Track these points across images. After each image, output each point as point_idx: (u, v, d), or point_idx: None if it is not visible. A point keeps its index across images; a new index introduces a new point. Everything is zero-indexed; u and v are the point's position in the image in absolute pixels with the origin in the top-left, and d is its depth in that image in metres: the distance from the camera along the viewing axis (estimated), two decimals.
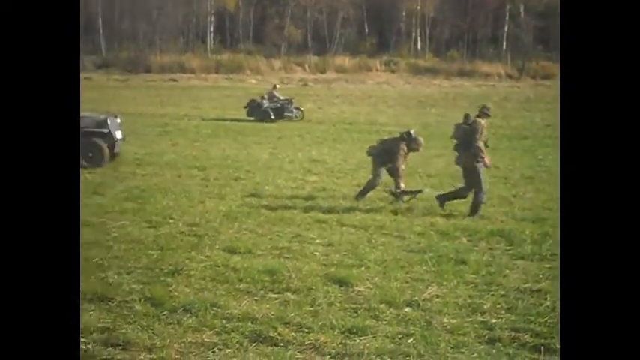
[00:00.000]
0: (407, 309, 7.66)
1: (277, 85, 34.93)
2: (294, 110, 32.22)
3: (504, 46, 72.16)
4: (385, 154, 14.08)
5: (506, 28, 72.41)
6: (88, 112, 19.54)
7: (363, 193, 14.06)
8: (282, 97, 32.71)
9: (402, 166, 14.03)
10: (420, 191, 14.24)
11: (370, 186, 14.11)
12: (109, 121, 17.92)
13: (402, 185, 13.98)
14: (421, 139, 14.54)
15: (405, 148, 14.10)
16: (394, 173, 14.05)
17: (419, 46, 75.67)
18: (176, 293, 7.97)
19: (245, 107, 31.98)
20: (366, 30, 77.65)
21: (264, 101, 31.85)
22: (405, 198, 13.93)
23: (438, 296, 8.10)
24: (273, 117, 31.23)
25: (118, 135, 18.22)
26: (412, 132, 14.47)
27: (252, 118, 31.38)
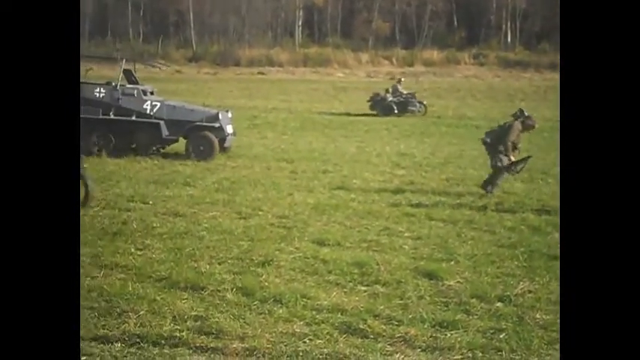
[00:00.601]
0: (498, 304, 7.58)
1: (402, 79, 34.52)
2: (417, 104, 31.92)
3: None
4: (498, 139, 13.88)
5: None
6: (200, 106, 19.99)
7: (491, 184, 13.90)
8: (405, 92, 32.37)
9: (513, 140, 13.76)
10: (529, 157, 14.32)
11: (497, 173, 13.92)
12: (220, 116, 18.29)
13: (512, 158, 13.78)
14: (534, 118, 14.37)
15: (520, 126, 13.90)
16: (504, 149, 13.77)
17: (509, 39, 74.49)
18: (266, 284, 8.05)
19: (368, 101, 31.87)
20: (455, 23, 76.84)
21: (388, 95, 31.69)
22: (518, 168, 13.83)
23: (530, 292, 7.98)
24: (396, 111, 31.03)
25: (229, 129, 18.55)
26: (524, 110, 14.45)
27: (374, 112, 31.25)
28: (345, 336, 6.67)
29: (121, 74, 18.99)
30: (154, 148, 18.45)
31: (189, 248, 9.47)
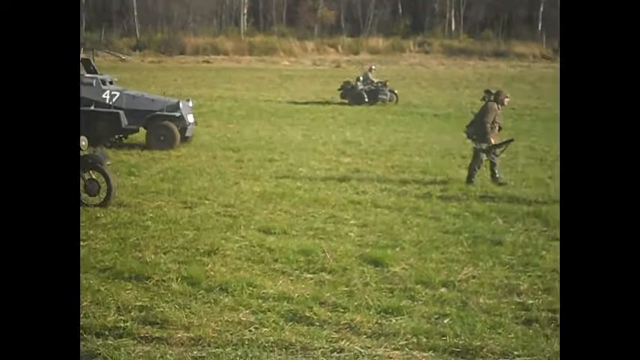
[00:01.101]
0: (443, 290, 7.65)
1: (373, 67, 34.15)
2: (388, 93, 31.66)
3: (540, 27, 71.36)
4: (478, 126, 13.89)
5: (542, 9, 71.57)
6: (160, 95, 19.74)
7: (473, 169, 13.96)
8: (376, 80, 32.12)
9: (492, 120, 13.75)
10: (510, 140, 14.45)
11: (476, 158, 13.98)
12: (181, 105, 18.11)
13: (492, 140, 13.84)
14: (504, 92, 14.33)
15: (495, 106, 13.87)
16: (481, 129, 13.83)
17: (453, 27, 75.11)
18: (212, 273, 8.01)
19: (339, 90, 31.69)
20: (400, 11, 77.21)
21: (359, 84, 31.48)
22: (498, 151, 13.93)
23: (474, 277, 8.08)
24: (367, 100, 30.87)
25: (190, 119, 18.38)
26: (489, 90, 14.57)
27: (346, 101, 31.16)
28: (290, 324, 6.68)
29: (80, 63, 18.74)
30: (114, 139, 18.21)
31: (134, 238, 9.39)
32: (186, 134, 18.25)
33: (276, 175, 14.47)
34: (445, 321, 6.78)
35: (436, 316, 6.90)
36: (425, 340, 6.38)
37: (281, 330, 6.52)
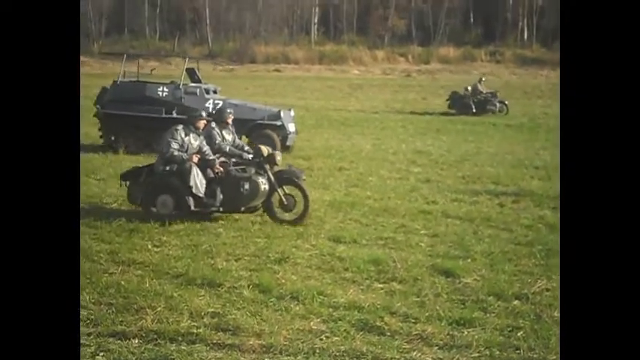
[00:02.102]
0: (516, 302, 7.54)
1: (483, 79, 33.94)
2: (497, 104, 31.35)
3: None
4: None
5: None
6: (261, 104, 19.94)
7: None
8: (485, 91, 31.89)
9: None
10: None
11: None
12: (282, 114, 18.27)
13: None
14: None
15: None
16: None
17: (526, 36, 74.15)
18: (283, 281, 8.05)
19: (447, 100, 31.62)
20: (472, 19, 76.57)
21: (467, 94, 31.33)
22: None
23: (547, 290, 7.94)
24: (474, 110, 30.62)
25: (291, 128, 18.53)
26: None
27: (453, 111, 31.01)
28: (361, 333, 6.65)
29: (184, 72, 19.11)
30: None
31: (206, 245, 9.49)
32: (287, 143, 18.33)
33: (346, 183, 14.49)
34: (519, 334, 6.67)
35: (509, 329, 6.81)
36: (498, 352, 6.29)
37: (352, 339, 6.50)
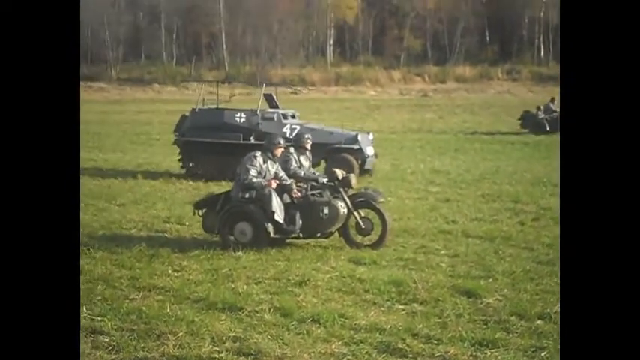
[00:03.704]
0: (539, 322, 7.48)
1: (555, 98, 33.76)
2: None
3: None
4: None
5: None
6: (338, 128, 19.99)
7: None
8: (556, 109, 31.61)
9: None
10: None
11: None
12: (359, 137, 18.30)
13: None
14: None
15: None
16: None
17: (542, 54, 74.09)
18: (304, 303, 8.01)
19: (519, 119, 31.57)
20: (487, 38, 76.64)
21: (540, 113, 31.33)
22: None
23: None
24: (548, 129, 30.49)
25: (369, 151, 18.49)
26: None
27: (526, 130, 30.93)
28: (384, 355, 6.61)
29: (261, 98, 19.27)
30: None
31: (226, 269, 9.48)
32: (366, 167, 18.28)
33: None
34: (542, 354, 6.62)
35: (533, 349, 6.74)
36: None
37: None
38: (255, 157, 10.75)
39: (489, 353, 6.63)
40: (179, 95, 60.15)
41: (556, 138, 28.58)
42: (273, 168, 10.82)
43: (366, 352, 6.64)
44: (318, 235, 10.83)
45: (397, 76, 68.92)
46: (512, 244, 11.12)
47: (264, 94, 19.60)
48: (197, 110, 19.27)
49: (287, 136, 17.96)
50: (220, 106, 19.98)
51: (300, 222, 10.57)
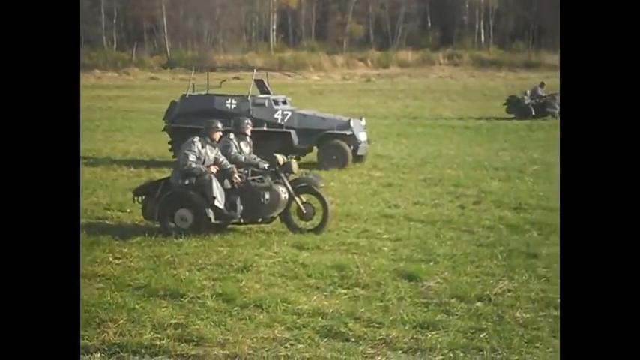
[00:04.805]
0: (478, 303, 7.58)
1: (544, 83, 33.01)
2: (557, 106, 30.26)
3: None
4: None
5: None
6: (330, 114, 19.76)
7: None
8: (545, 94, 31.44)
9: None
10: None
11: None
12: (352, 123, 18.10)
13: None
14: None
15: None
16: None
17: (482, 39, 74.88)
18: (246, 289, 8.01)
19: (504, 104, 31.25)
20: (429, 23, 77.16)
21: (526, 97, 30.88)
22: None
23: (509, 291, 8.00)
24: (534, 114, 30.24)
25: (362, 137, 18.22)
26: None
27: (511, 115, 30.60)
28: (326, 340, 6.65)
29: (252, 83, 18.98)
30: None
31: (168, 255, 9.42)
32: (359, 153, 18.04)
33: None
34: (482, 335, 6.71)
35: (472, 330, 6.84)
36: (462, 354, 6.32)
37: (316, 346, 6.50)
38: (193, 142, 10.67)
39: (430, 335, 6.71)
40: (121, 81, 59.40)
41: (499, 123, 28.96)
42: (212, 153, 10.74)
43: (309, 337, 6.67)
44: (260, 220, 10.81)
45: (340, 62, 68.97)
46: (453, 227, 11.23)
47: (255, 80, 19.40)
48: (187, 96, 19.00)
49: (279, 122, 17.87)
50: (210, 91, 19.69)
51: (241, 207, 10.54)
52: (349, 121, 18.13)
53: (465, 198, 13.58)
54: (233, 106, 18.15)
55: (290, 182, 10.87)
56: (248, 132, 11.63)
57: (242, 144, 11.40)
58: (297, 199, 10.84)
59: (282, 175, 10.82)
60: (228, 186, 10.64)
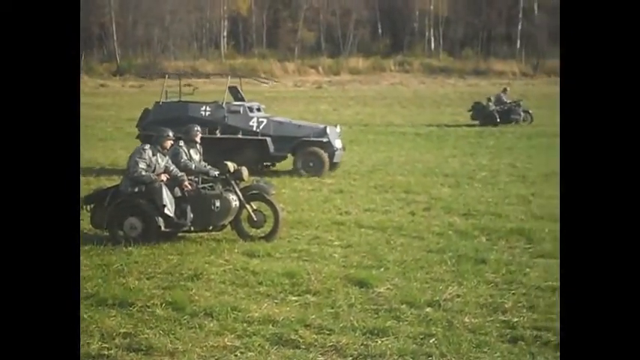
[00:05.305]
0: (428, 309, 7.64)
1: (507, 89, 33.45)
2: (522, 113, 30.94)
3: (518, 44, 71.83)
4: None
5: (520, 26, 72.06)
6: (306, 121, 19.72)
7: None
8: (509, 101, 31.53)
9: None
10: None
11: None
12: (328, 130, 17.97)
13: None
14: None
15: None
16: None
17: (432, 46, 75.45)
18: (197, 297, 7.97)
19: (469, 111, 31.16)
20: (380, 31, 77.51)
21: (490, 104, 30.89)
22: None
23: (458, 296, 8.07)
24: (499, 120, 30.27)
25: (338, 144, 18.12)
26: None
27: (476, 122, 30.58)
28: (276, 347, 6.65)
29: (227, 91, 18.79)
30: (262, 166, 18.17)
31: (117, 264, 9.33)
32: (334, 160, 17.94)
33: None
34: (431, 341, 6.76)
35: (422, 336, 6.89)
36: None
37: (267, 354, 6.50)
38: (144, 149, 10.60)
39: (380, 342, 6.74)
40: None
41: (449, 129, 29.22)
42: (162, 161, 10.67)
43: (259, 345, 6.67)
44: (210, 228, 10.77)
45: (291, 68, 68.92)
46: (404, 233, 11.30)
47: (229, 87, 19.30)
48: (161, 103, 18.81)
49: (254, 129, 17.77)
50: (183, 99, 19.52)
51: (192, 215, 10.49)
52: (325, 128, 18.15)
53: (415, 204, 13.67)
54: (207, 113, 18.07)
55: (241, 190, 10.85)
56: (198, 139, 11.57)
57: (192, 151, 11.35)
58: (248, 206, 10.82)
59: (233, 182, 10.79)
60: (179, 194, 10.58)
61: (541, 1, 71.17)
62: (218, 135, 17.74)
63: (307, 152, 17.71)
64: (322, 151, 17.64)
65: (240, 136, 17.79)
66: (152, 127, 17.95)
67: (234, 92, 19.41)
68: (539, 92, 48.51)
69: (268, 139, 17.73)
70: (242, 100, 19.00)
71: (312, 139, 17.80)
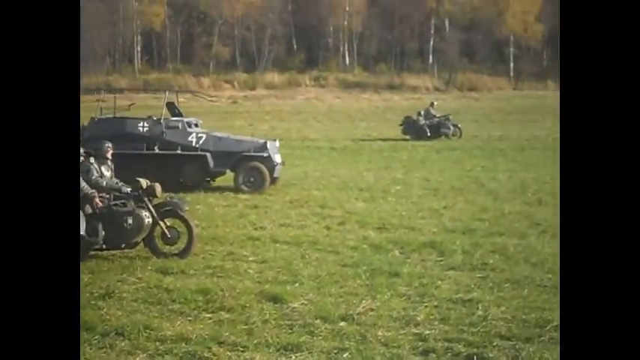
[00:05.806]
0: (342, 324, 7.68)
1: (435, 103, 33.51)
2: (451, 127, 31.08)
3: (431, 59, 73.05)
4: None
5: (432, 42, 73.31)
6: (247, 136, 19.49)
7: None
8: (438, 115, 31.64)
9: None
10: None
11: None
12: (268, 145, 17.66)
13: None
14: None
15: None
16: None
17: (347, 61, 76.08)
18: (108, 317, 7.84)
19: (400, 125, 31.12)
20: (295, 46, 77.81)
21: (420, 118, 30.95)
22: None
23: (372, 310, 8.13)
24: (429, 134, 30.39)
25: (277, 159, 17.91)
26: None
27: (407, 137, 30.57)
28: None
29: (164, 107, 18.31)
30: (204, 181, 17.81)
31: None
32: (274, 175, 17.75)
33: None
34: (344, 355, 6.80)
35: (335, 351, 6.92)
36: None
37: None
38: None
39: (294, 357, 6.75)
40: None
41: (364, 144, 29.48)
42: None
43: None
44: (123, 245, 10.61)
45: (207, 83, 68.55)
46: (319, 248, 11.34)
47: (167, 103, 18.99)
48: (96, 120, 18.37)
49: (193, 144, 17.50)
50: (118, 115, 19.11)
51: (104, 233, 10.32)
52: (265, 142, 18.09)
53: (330, 219, 13.74)
54: (145, 129, 17.80)
55: (154, 206, 10.73)
56: (109, 155, 11.38)
57: (103, 168, 11.15)
58: (161, 223, 10.71)
59: (146, 198, 10.66)
60: (90, 211, 10.39)
61: (452, 18, 72.61)
62: (156, 151, 17.50)
63: (248, 167, 17.58)
64: (263, 166, 17.58)
65: (179, 151, 17.59)
66: (88, 144, 17.60)
67: (171, 108, 19.24)
68: (450, 107, 49.17)
69: (208, 155, 17.58)
70: (180, 115, 18.82)
71: (252, 153, 17.73)
